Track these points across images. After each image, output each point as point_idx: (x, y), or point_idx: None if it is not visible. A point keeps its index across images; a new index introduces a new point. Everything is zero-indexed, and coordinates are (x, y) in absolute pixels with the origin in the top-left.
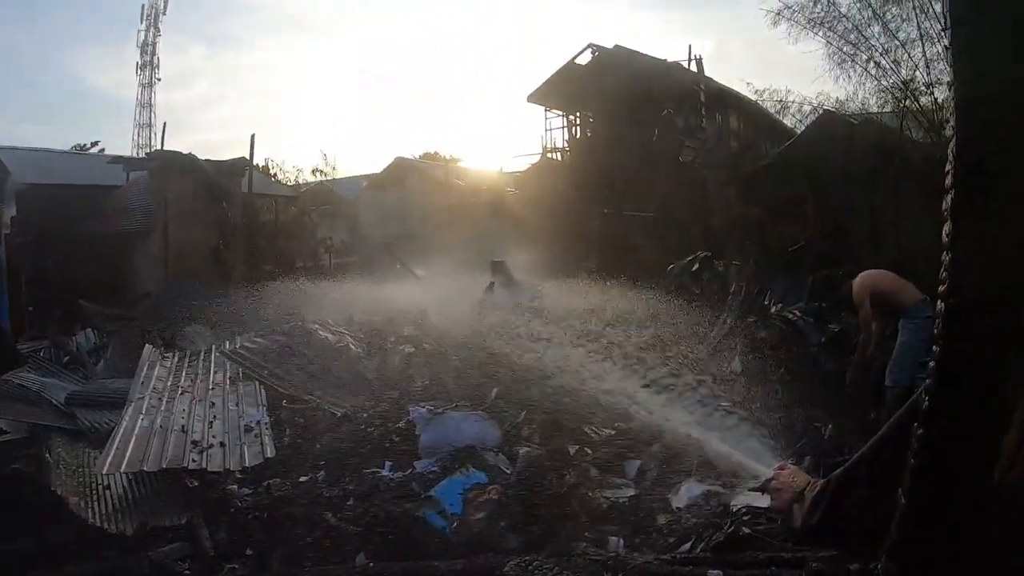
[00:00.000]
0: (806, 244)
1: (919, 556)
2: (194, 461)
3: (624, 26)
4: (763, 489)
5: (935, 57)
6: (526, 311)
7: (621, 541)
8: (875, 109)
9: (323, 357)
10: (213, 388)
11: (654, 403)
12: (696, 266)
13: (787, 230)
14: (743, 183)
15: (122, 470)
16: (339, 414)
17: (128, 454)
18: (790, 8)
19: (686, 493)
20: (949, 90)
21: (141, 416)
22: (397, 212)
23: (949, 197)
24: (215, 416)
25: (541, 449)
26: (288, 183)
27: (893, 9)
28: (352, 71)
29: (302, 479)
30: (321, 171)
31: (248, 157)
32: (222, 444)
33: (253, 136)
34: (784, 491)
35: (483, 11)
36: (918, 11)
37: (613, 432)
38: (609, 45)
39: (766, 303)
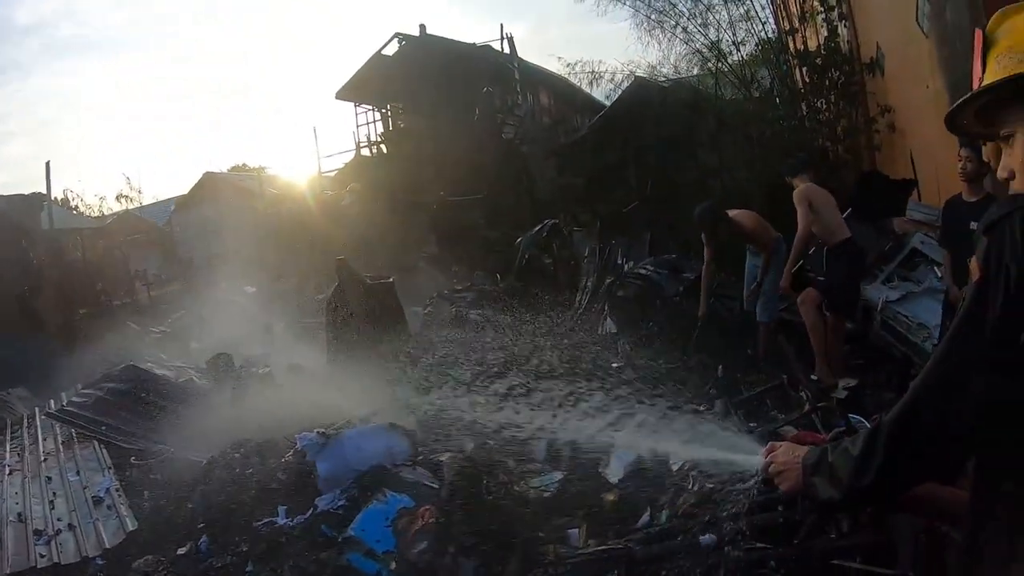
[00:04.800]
0: (640, 203)
1: None
2: (42, 556)
3: (431, 13)
4: (765, 480)
5: (739, 18)
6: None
7: (577, 532)
8: (687, 71)
9: (167, 398)
10: (45, 459)
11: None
12: (544, 234)
13: (612, 195)
14: (562, 155)
15: None
16: (204, 462)
17: None
18: None
19: (618, 464)
20: None
21: None
22: (213, 230)
23: None
24: (55, 493)
25: (464, 451)
26: (92, 214)
27: None
28: (147, 89)
29: (181, 551)
30: (127, 197)
31: (45, 191)
32: (71, 527)
33: (48, 164)
34: (790, 469)
35: (279, 14)
36: None
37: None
38: (416, 32)
39: (619, 263)
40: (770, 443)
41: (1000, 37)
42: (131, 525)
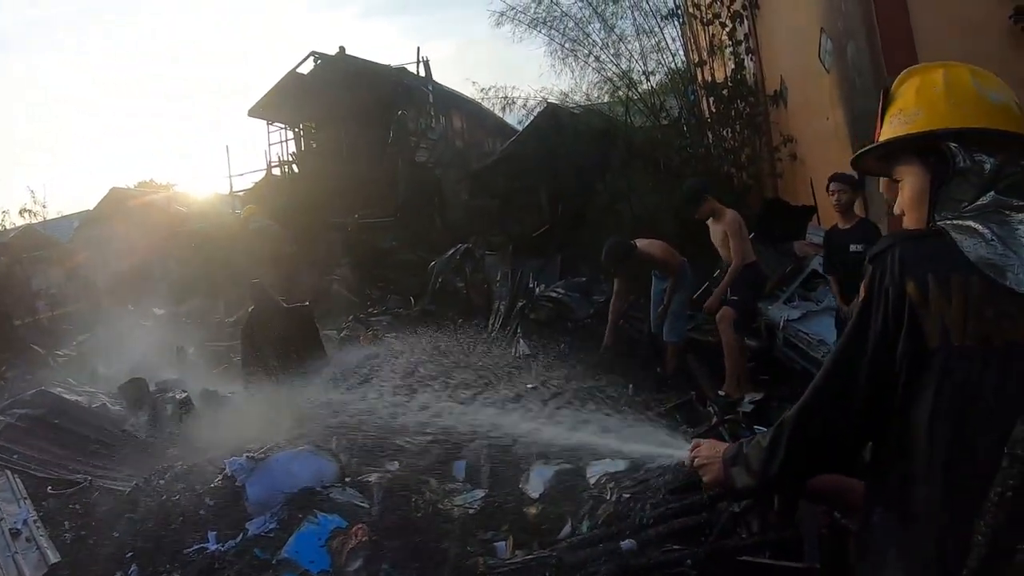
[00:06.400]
0: (550, 228)
1: None
2: None
3: (355, 31)
4: (689, 471)
5: (650, 48)
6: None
7: (504, 544)
8: (599, 98)
9: (81, 425)
10: None
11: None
12: (458, 258)
13: (524, 219)
14: (474, 179)
15: None
16: (127, 490)
17: None
18: (513, 9)
19: (538, 479)
20: None
21: None
22: (120, 249)
23: None
24: None
25: (395, 472)
26: None
27: (611, 7)
28: (55, 98)
29: None
30: (30, 211)
31: None
32: None
33: None
34: (712, 463)
35: (193, 27)
36: (632, 8)
37: (430, 438)
38: (333, 52)
39: (531, 286)
40: (695, 440)
41: (897, 97)
42: (53, 557)
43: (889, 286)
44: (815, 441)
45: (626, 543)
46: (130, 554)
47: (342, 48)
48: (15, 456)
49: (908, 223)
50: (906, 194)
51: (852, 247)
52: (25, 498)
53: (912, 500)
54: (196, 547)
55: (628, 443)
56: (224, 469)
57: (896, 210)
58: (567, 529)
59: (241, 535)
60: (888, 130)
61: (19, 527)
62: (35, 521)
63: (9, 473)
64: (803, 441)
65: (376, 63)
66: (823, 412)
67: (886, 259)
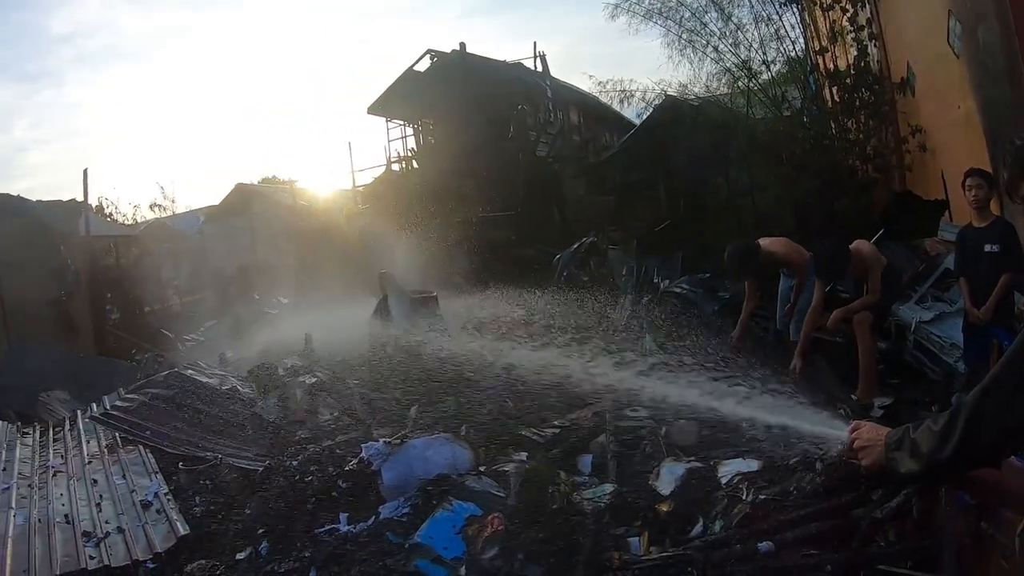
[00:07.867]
0: (670, 223)
1: None
2: (92, 558)
3: (466, 30)
4: (847, 453)
5: (769, 37)
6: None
7: (637, 540)
8: (718, 90)
9: (211, 405)
10: (91, 462)
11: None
12: (583, 252)
13: (642, 213)
14: (591, 173)
15: None
16: (260, 469)
17: (8, 564)
18: (628, 0)
19: (669, 476)
20: None
21: (12, 511)
22: (245, 242)
23: None
24: (102, 496)
25: (532, 462)
26: (126, 222)
27: None
28: (181, 101)
29: (240, 556)
30: (160, 206)
31: (80, 197)
32: (120, 529)
33: (86, 171)
34: (873, 446)
35: (315, 27)
36: None
37: (557, 431)
38: (448, 50)
39: (655, 281)
40: (855, 422)
41: None
42: (182, 530)
43: None
44: (993, 428)
45: (763, 545)
46: (262, 530)
47: (462, 45)
48: (147, 432)
49: None
50: None
51: (987, 247)
52: (156, 472)
53: None
54: (328, 528)
55: (788, 418)
56: (359, 453)
57: None
58: (698, 528)
59: (373, 518)
60: None
61: (150, 499)
62: (166, 494)
63: (141, 448)
64: (980, 427)
65: (491, 59)
66: (1004, 398)
67: None
